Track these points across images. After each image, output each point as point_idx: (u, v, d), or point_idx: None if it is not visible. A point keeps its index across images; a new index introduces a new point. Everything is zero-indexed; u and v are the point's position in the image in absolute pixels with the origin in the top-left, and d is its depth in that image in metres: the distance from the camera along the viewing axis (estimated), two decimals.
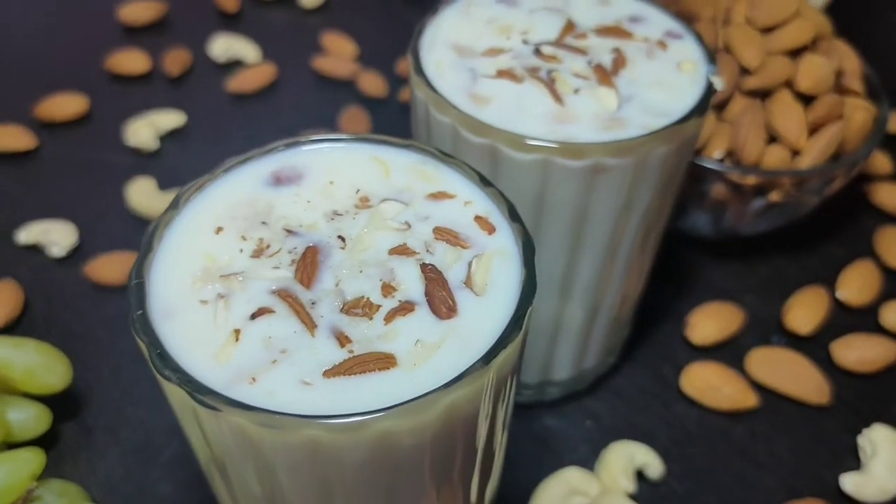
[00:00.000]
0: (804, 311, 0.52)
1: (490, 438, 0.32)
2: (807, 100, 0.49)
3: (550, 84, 0.37)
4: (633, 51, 0.39)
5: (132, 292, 0.28)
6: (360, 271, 0.29)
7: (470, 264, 0.29)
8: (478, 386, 0.26)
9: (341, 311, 0.28)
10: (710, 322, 0.51)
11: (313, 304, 0.28)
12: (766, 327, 0.53)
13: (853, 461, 0.46)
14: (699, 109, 0.36)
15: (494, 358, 0.26)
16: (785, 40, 0.49)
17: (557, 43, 0.39)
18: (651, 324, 0.53)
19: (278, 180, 0.33)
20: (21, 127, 0.65)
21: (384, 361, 0.26)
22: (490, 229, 0.31)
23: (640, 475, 0.45)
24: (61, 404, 0.47)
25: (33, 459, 0.40)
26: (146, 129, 0.64)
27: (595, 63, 0.38)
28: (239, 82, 0.70)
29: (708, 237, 0.57)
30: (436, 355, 0.27)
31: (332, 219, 0.31)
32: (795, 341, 0.52)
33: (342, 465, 0.26)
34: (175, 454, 0.46)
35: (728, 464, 0.46)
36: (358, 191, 0.32)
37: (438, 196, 0.32)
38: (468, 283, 0.29)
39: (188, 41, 0.74)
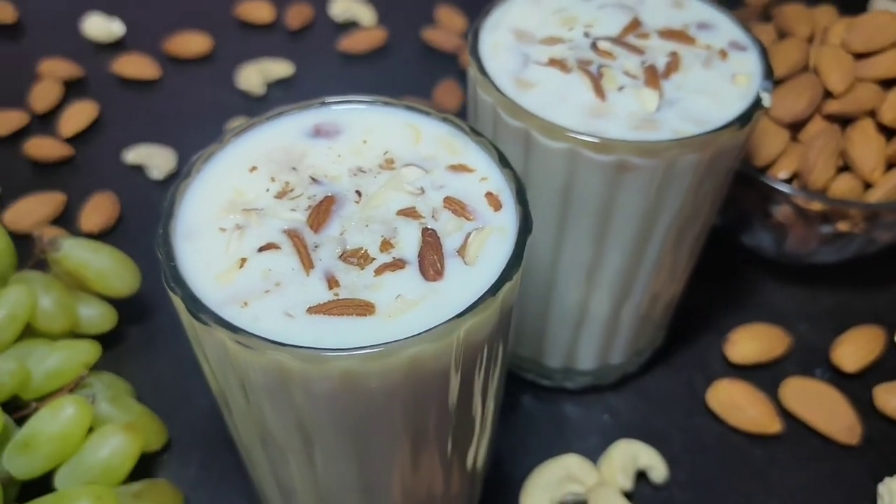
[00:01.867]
0: (854, 349, 0.50)
1: (466, 403, 0.33)
2: (891, 133, 0.47)
3: (597, 78, 0.37)
4: (691, 57, 0.39)
5: (163, 212, 0.32)
6: (367, 225, 0.31)
7: (468, 235, 0.31)
8: (444, 345, 0.28)
9: (339, 257, 0.30)
10: (751, 342, 0.51)
11: (316, 247, 0.31)
12: (812, 359, 0.52)
13: None
14: (736, 122, 0.35)
15: (461, 318, 0.28)
16: (878, 68, 0.47)
17: (617, 39, 0.40)
18: (693, 333, 0.53)
19: (318, 132, 0.35)
20: (150, 58, 0.71)
21: (363, 308, 0.29)
22: (497, 206, 0.32)
23: (644, 477, 0.46)
24: (132, 309, 0.52)
25: (89, 350, 0.45)
26: (256, 75, 0.69)
27: (648, 64, 0.38)
28: (350, 42, 0.73)
29: (771, 257, 0.55)
30: (413, 311, 0.29)
31: (356, 174, 0.33)
32: (840, 378, 0.51)
33: (312, 395, 0.29)
34: None
35: (737, 483, 0.46)
36: (386, 152, 0.34)
37: (458, 168, 0.34)
38: (461, 251, 0.30)
39: None
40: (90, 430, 0.42)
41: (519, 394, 0.50)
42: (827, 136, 0.47)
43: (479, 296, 0.29)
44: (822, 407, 0.48)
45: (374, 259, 0.30)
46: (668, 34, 0.40)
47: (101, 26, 0.72)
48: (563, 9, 0.41)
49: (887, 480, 0.45)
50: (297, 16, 0.76)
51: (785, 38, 0.52)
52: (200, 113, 0.67)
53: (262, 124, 0.36)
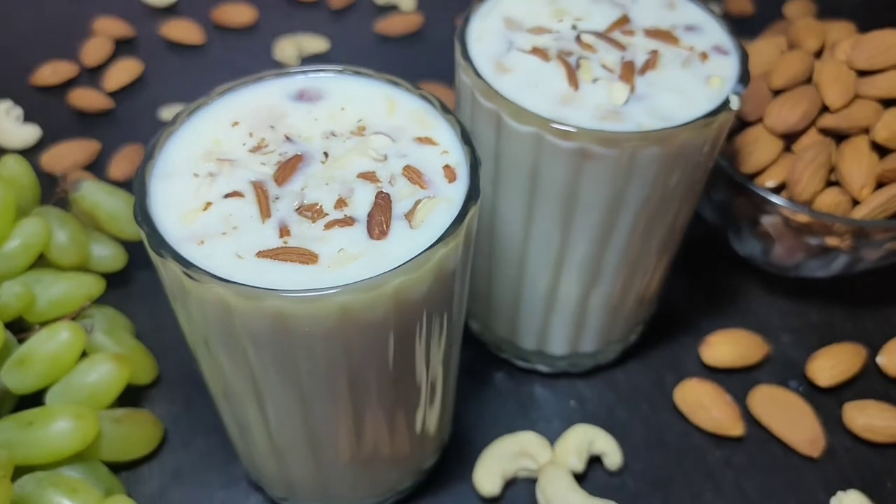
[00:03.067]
0: (831, 364, 0.51)
1: (408, 367, 0.35)
2: (884, 152, 0.47)
3: (573, 69, 0.39)
4: (671, 56, 0.40)
5: (146, 154, 0.35)
6: (326, 184, 0.34)
7: (418, 202, 0.33)
8: (374, 297, 0.30)
9: (295, 210, 0.33)
10: (727, 346, 0.51)
11: (276, 199, 0.33)
12: (789, 371, 0.52)
13: None
14: (699, 120, 0.36)
15: (392, 272, 0.30)
16: (879, 87, 0.47)
17: (602, 34, 0.41)
18: (674, 333, 0.54)
19: (301, 96, 0.38)
20: (197, 25, 0.75)
21: (306, 257, 0.31)
22: (452, 178, 0.34)
23: (601, 462, 0.47)
24: (142, 253, 0.55)
25: (94, 284, 0.49)
26: (291, 48, 0.72)
27: (627, 60, 0.40)
28: (386, 25, 0.76)
29: (761, 267, 0.56)
30: (352, 264, 0.31)
31: (328, 137, 0.36)
32: (813, 392, 0.51)
33: (255, 338, 0.31)
34: None
35: (690, 480, 0.47)
36: (360, 120, 0.37)
37: (424, 140, 0.36)
38: (409, 216, 0.32)
39: None
40: (84, 355, 0.46)
41: (493, 370, 0.52)
42: (817, 149, 0.47)
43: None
44: (787, 416, 0.48)
45: (326, 214, 0.32)
46: (654, 33, 0.41)
47: None
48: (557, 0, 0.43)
49: (840, 494, 0.45)
50: None
51: (792, 49, 0.52)
52: (234, 79, 0.70)
53: (251, 84, 0.39)
